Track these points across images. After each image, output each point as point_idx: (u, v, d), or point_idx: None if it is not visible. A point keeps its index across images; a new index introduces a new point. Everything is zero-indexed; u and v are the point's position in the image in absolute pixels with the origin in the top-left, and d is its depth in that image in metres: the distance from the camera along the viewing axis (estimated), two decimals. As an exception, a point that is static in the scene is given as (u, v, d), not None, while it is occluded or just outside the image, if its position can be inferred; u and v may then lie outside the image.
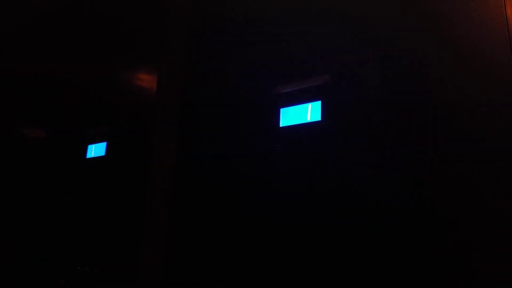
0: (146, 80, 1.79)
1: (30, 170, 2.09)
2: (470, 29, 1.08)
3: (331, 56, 1.31)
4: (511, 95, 0.98)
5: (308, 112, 1.30)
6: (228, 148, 1.50)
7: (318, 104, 1.28)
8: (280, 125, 1.36)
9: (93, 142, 1.92)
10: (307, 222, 1.21)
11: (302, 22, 1.43)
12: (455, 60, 1.09)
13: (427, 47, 1.14)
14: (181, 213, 1.57)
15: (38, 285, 1.78)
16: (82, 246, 1.74)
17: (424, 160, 1.07)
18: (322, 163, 1.24)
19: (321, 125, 1.26)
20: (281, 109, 1.36)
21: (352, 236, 1.12)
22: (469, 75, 1.06)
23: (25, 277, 1.84)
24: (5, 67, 2.45)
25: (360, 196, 1.14)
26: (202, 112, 1.64)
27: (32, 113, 2.24)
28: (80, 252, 1.72)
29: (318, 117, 1.27)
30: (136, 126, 1.73)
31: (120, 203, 1.66)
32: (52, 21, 2.32)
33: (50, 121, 2.15)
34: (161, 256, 1.52)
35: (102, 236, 1.68)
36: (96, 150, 1.90)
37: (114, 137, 1.82)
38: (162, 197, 1.60)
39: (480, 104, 1.03)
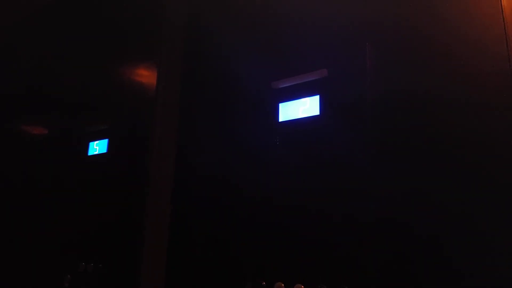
0: (146, 75, 1.78)
1: (31, 168, 2.10)
2: (466, 24, 1.07)
3: (330, 51, 1.30)
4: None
5: (307, 107, 1.29)
6: (227, 143, 1.49)
7: (316, 98, 1.27)
8: (279, 120, 1.35)
9: (94, 139, 1.92)
10: (306, 218, 1.21)
11: (300, 15, 1.42)
12: (455, 55, 1.08)
13: (426, 42, 1.13)
14: (182, 211, 1.58)
15: (39, 284, 1.79)
16: (82, 245, 1.74)
17: (424, 156, 1.07)
18: (321, 157, 1.23)
19: (320, 120, 1.25)
20: (280, 104, 1.36)
21: (351, 234, 1.12)
22: (466, 72, 1.05)
23: (26, 275, 1.86)
24: (4, 64, 2.46)
25: (359, 191, 1.13)
26: (201, 107, 1.64)
27: (33, 111, 2.24)
28: (80, 251, 1.73)
29: (316, 112, 1.26)
30: (137, 122, 1.73)
31: (122, 200, 1.67)
32: (50, 16, 2.32)
33: (51, 119, 2.15)
34: (162, 256, 1.53)
35: (102, 235, 1.68)
36: (97, 147, 1.90)
37: (115, 133, 1.82)
38: (163, 195, 1.61)
39: (475, 101, 1.02)
